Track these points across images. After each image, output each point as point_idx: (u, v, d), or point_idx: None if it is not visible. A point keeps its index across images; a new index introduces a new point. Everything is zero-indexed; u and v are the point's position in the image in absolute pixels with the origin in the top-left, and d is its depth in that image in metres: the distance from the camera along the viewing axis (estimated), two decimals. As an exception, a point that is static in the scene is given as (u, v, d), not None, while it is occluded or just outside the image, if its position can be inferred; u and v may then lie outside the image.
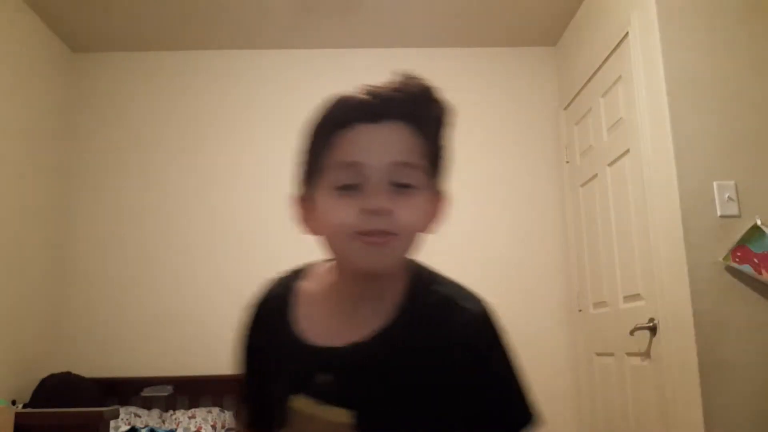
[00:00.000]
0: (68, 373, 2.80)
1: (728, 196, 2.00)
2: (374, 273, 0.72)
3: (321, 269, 0.82)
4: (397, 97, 0.71)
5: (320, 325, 0.77)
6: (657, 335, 2.17)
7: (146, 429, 2.48)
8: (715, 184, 2.01)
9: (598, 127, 2.78)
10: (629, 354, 2.42)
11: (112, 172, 3.24)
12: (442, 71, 3.49)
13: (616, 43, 2.51)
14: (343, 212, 0.69)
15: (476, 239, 3.12)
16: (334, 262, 0.79)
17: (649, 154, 2.23)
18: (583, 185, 2.96)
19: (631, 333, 2.27)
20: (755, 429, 1.85)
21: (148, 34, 3.22)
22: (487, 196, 3.20)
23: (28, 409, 2.45)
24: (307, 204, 0.76)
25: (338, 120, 0.72)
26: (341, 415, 0.71)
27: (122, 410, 2.61)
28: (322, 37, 3.26)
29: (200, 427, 2.64)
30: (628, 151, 2.46)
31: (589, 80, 2.86)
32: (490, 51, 3.38)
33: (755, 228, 1.93)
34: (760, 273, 1.90)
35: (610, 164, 2.64)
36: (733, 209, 1.99)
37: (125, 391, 2.87)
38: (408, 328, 0.73)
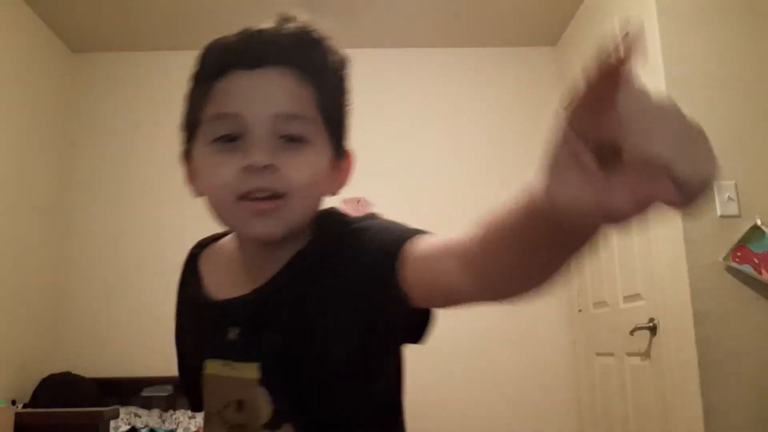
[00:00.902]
0: (68, 373, 2.81)
1: (728, 196, 2.00)
2: (266, 240, 0.64)
3: (233, 235, 0.76)
4: (279, 41, 0.64)
5: (225, 283, 0.71)
6: (657, 335, 2.17)
7: (146, 429, 2.48)
8: (715, 184, 2.00)
9: (598, 127, 2.78)
10: (629, 354, 2.42)
11: (111, 171, 3.24)
12: (442, 71, 3.51)
13: (616, 43, 2.51)
14: (223, 171, 0.61)
15: (476, 239, 3.12)
16: None
17: (649, 154, 2.22)
18: (583, 185, 2.96)
19: (631, 333, 2.27)
20: (755, 429, 1.85)
21: (148, 34, 3.22)
22: (487, 195, 3.20)
23: (28, 409, 2.45)
24: (188, 162, 0.69)
25: (213, 68, 0.65)
26: (248, 370, 0.64)
27: (122, 410, 2.61)
28: (322, 37, 3.26)
29: (200, 428, 2.64)
30: (628, 151, 2.45)
31: (589, 80, 2.85)
32: (490, 51, 3.37)
33: (755, 228, 1.93)
34: (760, 273, 1.90)
35: (610, 164, 2.64)
36: (733, 209, 1.99)
37: (125, 391, 2.87)
38: (302, 266, 0.66)
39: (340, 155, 0.69)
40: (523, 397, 2.94)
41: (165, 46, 3.32)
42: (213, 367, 0.67)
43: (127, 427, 2.46)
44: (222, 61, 0.65)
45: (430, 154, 3.20)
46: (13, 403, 2.54)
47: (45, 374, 2.78)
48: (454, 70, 3.30)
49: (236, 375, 0.65)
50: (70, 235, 3.15)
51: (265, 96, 0.62)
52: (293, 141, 0.62)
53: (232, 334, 0.66)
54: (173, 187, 3.38)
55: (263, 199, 0.61)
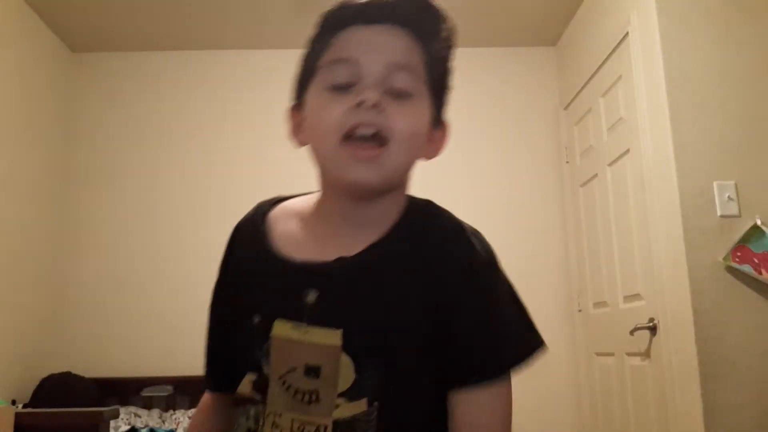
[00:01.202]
0: (68, 373, 2.81)
1: (728, 196, 1.99)
2: (362, 188, 0.65)
3: (306, 197, 0.76)
4: (397, 3, 0.68)
5: (302, 246, 0.70)
6: (657, 335, 2.17)
7: (146, 429, 2.48)
8: (715, 184, 2.01)
9: (598, 127, 2.78)
10: (629, 354, 2.42)
11: (111, 171, 3.24)
12: (442, 71, 3.51)
13: (616, 43, 2.51)
14: (333, 109, 0.64)
15: (476, 239, 3.12)
16: (318, 193, 0.73)
17: (649, 154, 2.22)
18: (583, 185, 2.96)
19: (631, 333, 2.27)
20: (755, 429, 1.85)
21: (148, 34, 3.22)
22: (487, 195, 3.20)
23: (28, 409, 2.45)
24: (299, 112, 0.72)
25: (334, 22, 0.69)
26: (330, 336, 0.63)
27: (122, 410, 2.61)
28: (322, 37, 3.25)
29: (200, 427, 2.64)
30: (628, 151, 2.46)
31: (589, 80, 2.86)
32: (490, 51, 3.37)
33: (755, 228, 1.93)
34: (760, 273, 1.90)
35: (610, 164, 2.64)
36: (733, 209, 1.99)
37: (125, 391, 2.87)
38: (401, 244, 0.67)
39: (437, 124, 0.72)
40: (522, 396, 2.93)
41: (165, 46, 3.32)
42: (283, 329, 0.65)
43: (127, 427, 2.46)
44: (342, 17, 0.68)
45: (430, 154, 3.20)
46: (13, 403, 2.54)
47: (45, 374, 2.78)
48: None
49: (311, 340, 0.63)
50: (70, 235, 3.15)
51: (380, 46, 0.66)
52: (400, 95, 0.65)
53: (311, 297, 0.65)
54: (173, 186, 3.40)
55: (366, 140, 0.63)
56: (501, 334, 0.65)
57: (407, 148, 0.66)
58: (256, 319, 0.67)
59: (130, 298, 3.08)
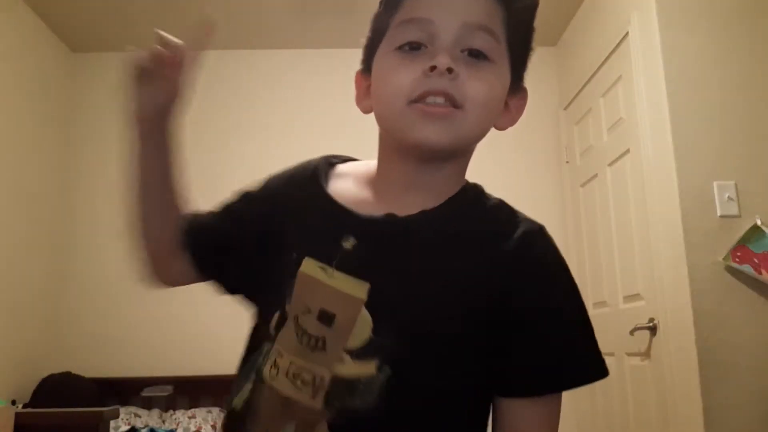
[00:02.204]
0: (68, 373, 2.81)
1: (728, 196, 1.99)
2: (431, 147, 0.60)
3: (365, 162, 0.73)
4: None
5: (355, 200, 0.66)
6: (657, 335, 2.17)
7: (146, 429, 2.48)
8: (715, 184, 2.01)
9: (598, 127, 2.78)
10: (629, 354, 2.42)
11: (111, 171, 3.23)
12: (442, 71, 3.51)
13: (616, 43, 2.51)
14: (403, 74, 0.59)
15: (476, 239, 3.12)
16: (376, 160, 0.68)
17: (649, 154, 2.22)
18: (583, 185, 2.96)
19: (631, 333, 2.27)
20: (755, 429, 1.85)
21: (148, 35, 3.21)
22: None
23: (28, 409, 2.45)
24: (365, 77, 0.67)
25: None
26: (356, 287, 0.59)
27: (122, 410, 2.61)
28: (321, 37, 3.25)
29: (200, 427, 2.64)
30: (628, 151, 2.46)
31: (589, 80, 2.86)
32: (490, 51, 3.37)
33: (755, 228, 1.93)
34: (760, 273, 1.89)
35: (610, 164, 2.64)
36: (733, 209, 1.99)
37: (125, 391, 2.87)
38: (459, 216, 0.64)
39: (515, 90, 0.67)
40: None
41: (165, 46, 3.32)
42: (310, 268, 0.61)
43: (127, 427, 2.46)
44: None
45: (430, 154, 3.20)
46: (13, 403, 2.54)
47: (45, 374, 2.78)
48: (454, 70, 3.30)
49: (335, 285, 0.60)
50: (69, 235, 3.15)
51: (457, 4, 0.61)
52: (476, 57, 0.60)
53: (348, 243, 0.61)
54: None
55: (438, 105, 0.59)
56: (570, 353, 0.61)
57: (481, 115, 0.61)
58: (294, 255, 0.63)
59: (130, 299, 3.07)
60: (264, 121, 3.27)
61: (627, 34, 2.41)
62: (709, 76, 2.09)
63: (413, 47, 0.60)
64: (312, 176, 0.70)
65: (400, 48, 0.61)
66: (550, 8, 3.03)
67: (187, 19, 3.06)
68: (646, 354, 2.26)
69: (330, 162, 0.73)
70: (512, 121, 0.69)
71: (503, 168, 3.24)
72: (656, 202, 2.17)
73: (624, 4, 2.46)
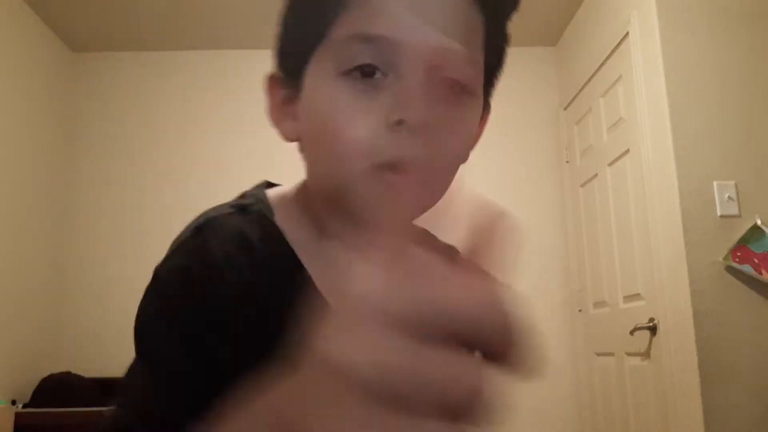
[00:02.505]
0: (68, 373, 2.80)
1: (728, 196, 1.99)
2: (395, 225, 0.40)
3: (288, 194, 0.55)
4: None
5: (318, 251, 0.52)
6: (657, 335, 2.17)
7: (146, 429, 2.48)
8: (715, 184, 2.01)
9: (598, 127, 2.78)
10: (629, 354, 2.42)
11: (112, 171, 3.24)
12: (442, 71, 3.51)
13: (616, 43, 2.51)
14: (359, 122, 0.43)
15: (476, 239, 3.12)
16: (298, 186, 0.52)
17: (649, 154, 2.22)
18: (583, 185, 2.96)
19: (631, 333, 2.27)
20: (755, 429, 1.85)
21: (148, 34, 3.22)
22: (487, 195, 3.19)
23: (28, 409, 2.45)
24: (289, 93, 0.50)
25: None
26: None
27: (122, 410, 2.60)
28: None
29: (200, 427, 2.64)
30: (628, 151, 2.46)
31: (589, 80, 2.86)
32: (490, 51, 3.37)
33: (755, 228, 1.93)
34: (760, 273, 1.89)
35: (610, 164, 2.64)
36: (733, 209, 1.99)
37: (125, 391, 2.86)
38: None
39: (483, 113, 0.52)
40: (522, 396, 2.94)
41: (165, 46, 3.32)
42: None
43: (127, 427, 2.45)
44: None
45: (430, 154, 3.19)
46: (13, 403, 2.54)
47: (45, 374, 2.77)
48: (454, 70, 3.30)
49: None
50: (70, 234, 3.15)
51: (429, 16, 0.44)
52: (453, 93, 0.45)
53: None
54: (174, 186, 3.39)
55: (412, 173, 0.44)
56: None
57: (456, 168, 0.49)
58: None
59: (130, 298, 3.06)
60: (264, 120, 3.26)
61: (627, 34, 2.41)
62: (709, 76, 2.09)
63: (366, 73, 0.44)
64: (281, 253, 0.51)
65: (348, 74, 0.44)
66: (550, 8, 3.02)
67: (187, 19, 3.06)
68: (646, 354, 2.26)
69: (269, 213, 0.54)
70: (474, 146, 0.54)
71: (503, 168, 3.24)
72: (656, 202, 2.17)
73: (624, 4, 2.46)
